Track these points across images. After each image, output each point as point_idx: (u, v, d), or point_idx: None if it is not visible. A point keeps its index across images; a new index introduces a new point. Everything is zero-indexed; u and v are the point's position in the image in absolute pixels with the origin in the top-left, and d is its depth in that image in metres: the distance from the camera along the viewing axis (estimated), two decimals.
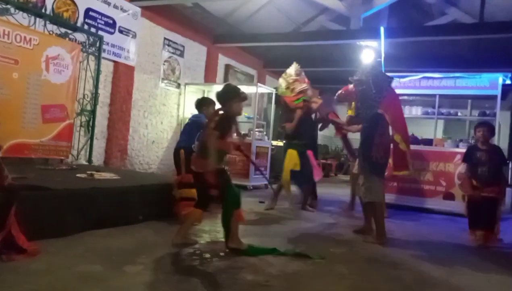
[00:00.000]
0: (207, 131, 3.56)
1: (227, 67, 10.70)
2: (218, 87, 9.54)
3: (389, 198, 7.20)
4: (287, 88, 6.16)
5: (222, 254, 3.50)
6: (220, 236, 4.01)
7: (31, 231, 3.14)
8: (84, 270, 2.84)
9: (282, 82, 6.27)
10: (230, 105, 3.64)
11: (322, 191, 8.27)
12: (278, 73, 13.28)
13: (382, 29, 7.49)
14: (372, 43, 9.49)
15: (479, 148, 4.90)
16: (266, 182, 8.01)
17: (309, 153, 6.07)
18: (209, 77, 9.84)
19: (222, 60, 10.52)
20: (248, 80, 11.43)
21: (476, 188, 4.76)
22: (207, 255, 3.45)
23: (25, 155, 5.57)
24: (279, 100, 6.72)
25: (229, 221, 3.56)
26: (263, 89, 9.43)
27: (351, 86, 4.93)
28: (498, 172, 4.79)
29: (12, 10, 5.41)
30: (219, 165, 3.56)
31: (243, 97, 3.70)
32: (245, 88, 9.83)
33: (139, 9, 7.53)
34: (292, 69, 6.26)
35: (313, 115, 6.64)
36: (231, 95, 3.67)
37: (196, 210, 3.70)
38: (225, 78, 10.53)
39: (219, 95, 3.73)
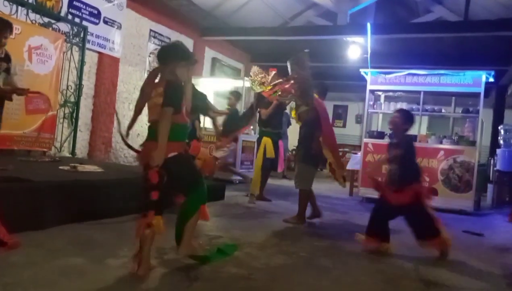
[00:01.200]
0: (160, 110, 2.69)
1: (214, 60, 10.65)
2: (205, 80, 9.60)
3: (375, 192, 7.28)
4: (261, 84, 6.09)
5: (207, 247, 3.49)
6: (204, 228, 4.01)
7: (11, 224, 3.09)
8: (65, 263, 2.80)
9: (252, 83, 5.96)
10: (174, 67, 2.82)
11: None
12: (265, 68, 13.29)
13: (368, 26, 7.54)
14: (359, 39, 9.55)
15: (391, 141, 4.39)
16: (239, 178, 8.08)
17: (280, 144, 6.42)
18: (195, 71, 9.75)
19: (209, 54, 10.46)
20: (235, 74, 11.39)
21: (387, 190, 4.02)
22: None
23: (7, 147, 5.46)
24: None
25: (186, 221, 2.89)
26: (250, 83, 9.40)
27: (287, 85, 5.09)
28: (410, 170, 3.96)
29: None
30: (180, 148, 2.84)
31: (193, 61, 3.01)
32: (232, 82, 9.88)
33: (124, 0, 7.42)
34: (255, 69, 6.10)
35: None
36: (179, 55, 2.87)
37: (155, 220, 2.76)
38: (212, 72, 10.48)
39: (164, 52, 2.95)
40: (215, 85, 9.76)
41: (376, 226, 3.94)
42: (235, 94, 7.60)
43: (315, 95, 5.00)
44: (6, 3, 5.44)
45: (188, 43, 9.56)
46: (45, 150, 6.05)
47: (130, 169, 6.79)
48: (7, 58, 4.08)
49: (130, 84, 8.00)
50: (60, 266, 2.74)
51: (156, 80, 2.91)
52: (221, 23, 9.77)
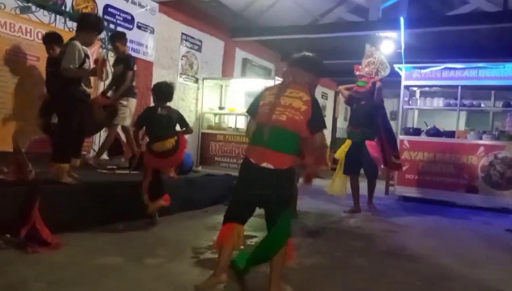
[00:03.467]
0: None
1: (245, 61, 10.69)
2: (236, 81, 9.66)
3: (411, 191, 7.13)
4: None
5: (241, 247, 3.51)
6: None
7: (53, 224, 3.22)
8: (104, 262, 2.90)
9: None
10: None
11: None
12: None
13: (401, 20, 7.36)
14: (392, 34, 9.34)
15: None
16: None
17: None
18: (226, 72, 9.85)
19: (240, 54, 10.51)
20: (266, 74, 11.40)
21: None
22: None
23: (48, 151, 5.68)
24: None
25: (274, 250, 2.40)
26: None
27: None
28: None
29: (33, 8, 5.51)
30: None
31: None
32: (263, 82, 9.90)
33: (156, 5, 7.57)
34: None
35: None
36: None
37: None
38: (243, 72, 10.52)
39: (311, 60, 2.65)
40: (246, 86, 9.81)
41: None
42: None
43: None
44: (46, 12, 5.66)
45: (219, 45, 9.65)
46: (84, 153, 6.25)
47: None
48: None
49: None
50: (100, 265, 2.83)
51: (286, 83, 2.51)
52: (250, 24, 9.79)
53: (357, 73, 5.94)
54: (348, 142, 5.81)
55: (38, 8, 5.56)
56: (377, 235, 4.42)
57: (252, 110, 2.55)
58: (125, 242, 3.46)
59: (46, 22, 5.67)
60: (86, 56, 3.93)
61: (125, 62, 5.44)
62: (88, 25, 3.93)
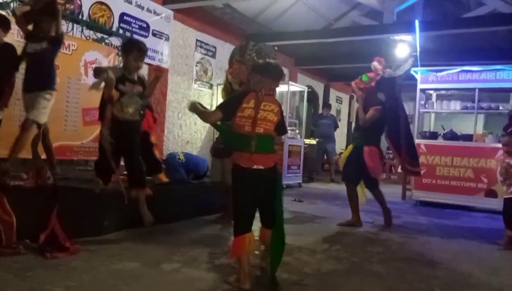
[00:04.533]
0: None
1: None
2: None
3: (428, 195, 7.03)
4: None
5: (256, 252, 3.51)
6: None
7: (71, 230, 3.27)
8: (121, 267, 2.92)
9: None
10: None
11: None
12: (310, 71, 13.24)
13: (417, 23, 7.29)
14: (407, 37, 9.27)
15: None
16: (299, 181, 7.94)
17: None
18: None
19: None
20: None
21: None
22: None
23: (66, 157, 5.77)
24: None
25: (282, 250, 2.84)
26: (295, 87, 9.40)
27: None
28: None
29: None
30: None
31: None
32: (277, 87, 9.91)
33: (171, 12, 7.66)
34: None
35: None
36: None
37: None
38: None
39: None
40: None
41: None
42: None
43: None
44: (63, 21, 5.77)
45: None
46: None
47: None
48: (140, 81, 3.80)
49: (178, 93, 8.22)
50: (117, 270, 2.86)
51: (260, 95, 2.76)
52: (264, 29, 9.83)
53: (376, 64, 5.25)
54: (350, 147, 5.32)
55: None
56: (394, 240, 4.37)
57: (226, 112, 2.82)
58: (142, 247, 3.48)
59: (64, 31, 5.76)
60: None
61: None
62: None
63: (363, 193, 5.46)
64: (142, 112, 3.83)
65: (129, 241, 3.63)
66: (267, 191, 2.78)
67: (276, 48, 6.06)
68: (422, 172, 6.95)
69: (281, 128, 2.90)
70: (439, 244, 4.35)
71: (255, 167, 2.70)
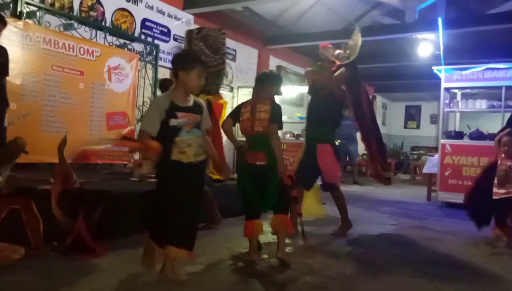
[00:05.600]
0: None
1: (279, 68, 10.71)
2: None
3: (454, 197, 6.86)
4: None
5: (279, 254, 3.50)
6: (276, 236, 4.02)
7: (97, 232, 3.33)
8: None
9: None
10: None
11: (382, 191, 8.06)
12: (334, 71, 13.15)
13: (440, 20, 7.16)
14: (429, 35, 9.12)
15: None
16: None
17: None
18: None
19: (274, 62, 10.55)
20: (300, 81, 11.35)
21: None
22: (265, 256, 3.48)
23: (91, 161, 5.89)
24: None
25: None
26: None
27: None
28: None
29: (75, 25, 5.76)
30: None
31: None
32: (298, 89, 9.86)
33: (192, 17, 7.74)
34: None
35: None
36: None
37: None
38: None
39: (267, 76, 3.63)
40: None
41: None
42: None
43: None
44: (87, 29, 5.91)
45: (253, 53, 9.72)
46: (126, 162, 6.44)
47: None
48: (197, 106, 2.84)
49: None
50: (142, 272, 2.89)
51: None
52: (284, 31, 9.82)
53: (324, 53, 4.63)
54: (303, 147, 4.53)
55: (80, 25, 5.81)
56: (418, 242, 4.29)
57: (233, 116, 3.50)
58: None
59: (88, 37, 5.90)
60: None
61: None
62: None
63: (318, 202, 5.13)
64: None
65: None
66: (266, 181, 3.28)
67: (223, 31, 5.80)
68: (447, 173, 6.83)
69: (272, 118, 3.30)
70: (466, 246, 4.24)
71: (258, 163, 3.28)
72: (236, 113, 3.47)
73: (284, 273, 3.05)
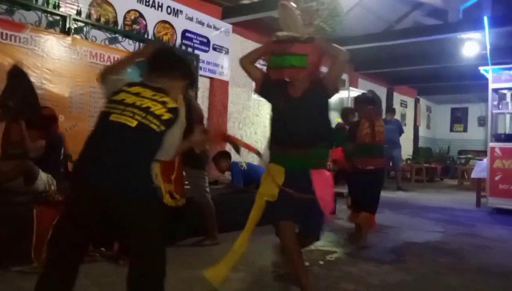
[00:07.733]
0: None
1: None
2: None
3: (504, 203, 6.55)
4: None
5: (321, 262, 3.47)
6: (318, 244, 3.98)
7: None
8: (189, 275, 3.02)
9: None
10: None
11: (427, 197, 7.82)
12: (370, 76, 12.93)
13: (485, 19, 6.89)
14: (475, 35, 8.78)
15: None
16: None
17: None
18: None
19: None
20: (340, 84, 11.25)
21: None
22: (306, 264, 3.45)
23: None
24: None
25: None
26: (356, 92, 9.19)
27: None
28: None
29: (119, 38, 6.00)
30: None
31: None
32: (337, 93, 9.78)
33: (230, 26, 7.86)
34: None
35: None
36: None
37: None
38: None
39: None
40: None
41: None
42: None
43: None
44: (131, 42, 6.13)
45: None
46: None
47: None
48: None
49: (239, 104, 8.39)
50: (186, 278, 2.96)
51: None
52: (322, 36, 9.76)
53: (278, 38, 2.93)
54: (275, 170, 2.81)
55: (124, 38, 6.04)
56: (466, 250, 4.12)
57: None
58: (207, 256, 3.56)
59: (131, 50, 6.12)
60: None
61: None
62: None
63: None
64: None
65: (194, 249, 3.74)
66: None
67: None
68: (497, 178, 6.53)
69: None
70: None
71: None
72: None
73: (326, 280, 3.02)
